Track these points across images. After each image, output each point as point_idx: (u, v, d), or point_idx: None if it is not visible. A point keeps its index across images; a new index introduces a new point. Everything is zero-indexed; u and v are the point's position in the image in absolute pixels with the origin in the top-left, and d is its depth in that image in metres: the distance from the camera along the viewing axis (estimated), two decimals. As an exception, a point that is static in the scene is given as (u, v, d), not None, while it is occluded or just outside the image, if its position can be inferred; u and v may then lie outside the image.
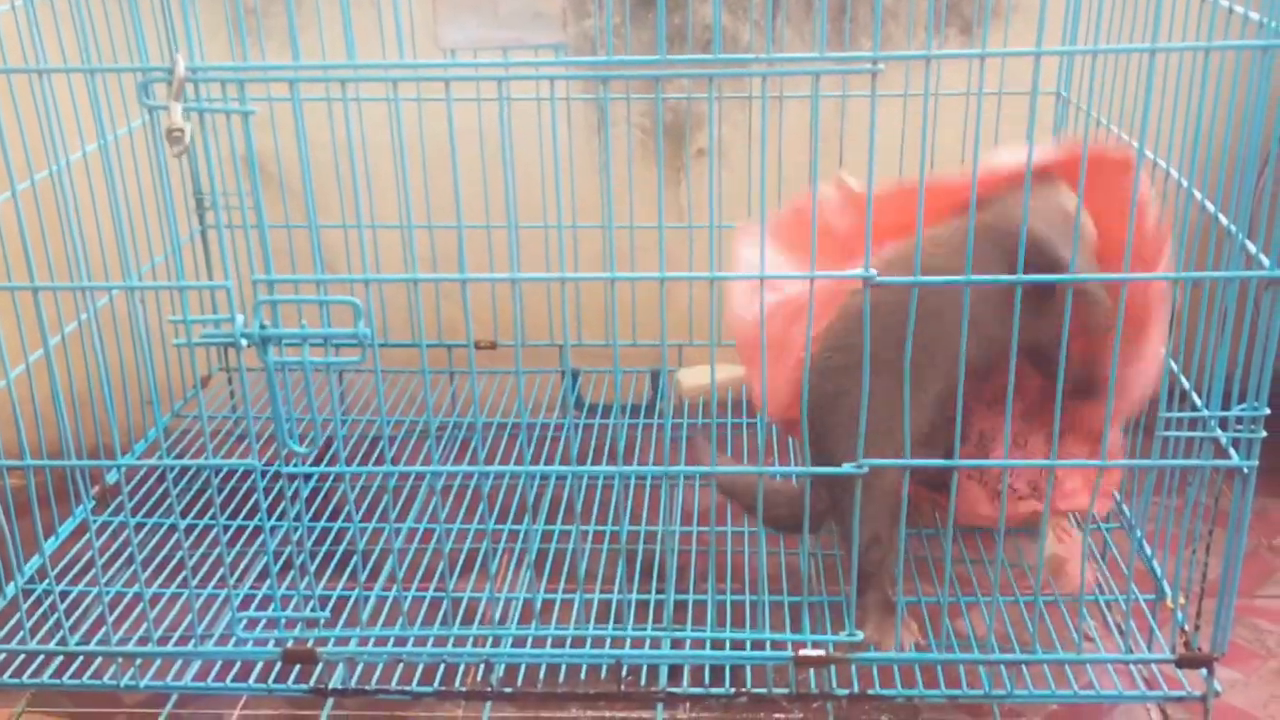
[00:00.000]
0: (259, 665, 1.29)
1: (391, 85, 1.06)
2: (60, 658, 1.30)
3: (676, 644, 1.33)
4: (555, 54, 1.06)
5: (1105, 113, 1.49)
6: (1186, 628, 1.26)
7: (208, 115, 1.08)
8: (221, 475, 1.66)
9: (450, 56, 1.04)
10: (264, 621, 1.29)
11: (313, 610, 1.24)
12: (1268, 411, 1.11)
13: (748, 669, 1.30)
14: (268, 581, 1.28)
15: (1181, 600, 1.29)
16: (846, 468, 1.16)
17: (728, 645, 1.30)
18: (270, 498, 1.45)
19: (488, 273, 1.84)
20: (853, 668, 1.26)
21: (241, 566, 1.53)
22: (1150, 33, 1.03)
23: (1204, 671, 1.22)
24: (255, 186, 1.12)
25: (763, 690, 1.27)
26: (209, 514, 1.52)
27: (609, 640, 1.29)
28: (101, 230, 1.43)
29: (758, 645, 1.29)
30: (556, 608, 1.41)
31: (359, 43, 1.32)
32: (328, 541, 1.57)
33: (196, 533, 1.55)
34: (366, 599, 1.42)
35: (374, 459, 1.76)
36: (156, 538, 1.56)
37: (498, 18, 1.00)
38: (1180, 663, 1.22)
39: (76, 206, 1.36)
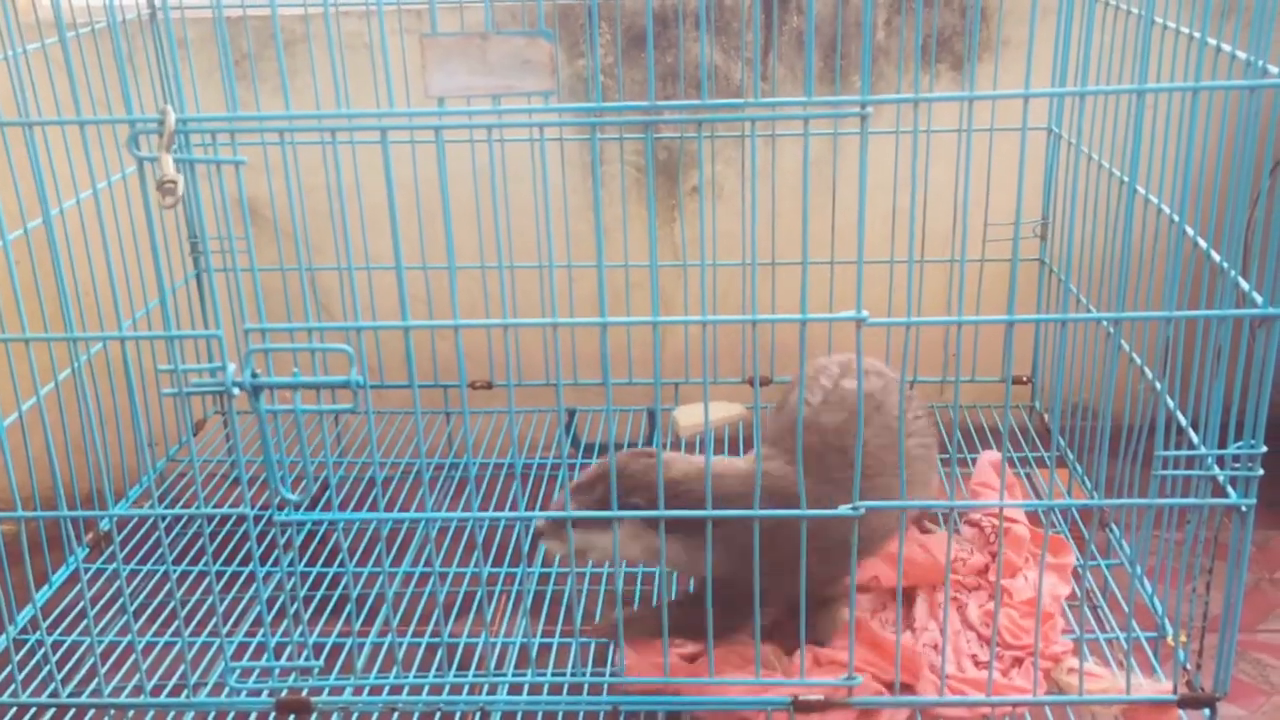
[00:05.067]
0: (253, 715, 1.28)
1: (383, 132, 1.06)
2: (52, 710, 1.29)
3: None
4: (545, 100, 1.06)
5: (1097, 148, 1.49)
6: (1188, 666, 1.25)
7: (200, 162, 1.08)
8: (215, 522, 1.66)
9: (440, 104, 1.05)
10: (257, 671, 1.28)
11: (306, 659, 1.23)
12: (1264, 449, 1.11)
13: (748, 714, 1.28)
14: (262, 630, 1.27)
15: (1183, 638, 1.28)
16: (843, 509, 1.15)
17: (726, 689, 1.29)
18: (263, 545, 1.44)
19: (482, 313, 1.85)
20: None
21: (235, 614, 1.52)
22: (1139, 71, 1.03)
23: (1206, 712, 1.21)
24: (248, 235, 1.11)
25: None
26: (202, 561, 1.51)
27: (606, 686, 1.28)
28: (95, 276, 1.43)
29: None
30: (553, 653, 1.40)
31: (350, 83, 1.32)
32: (322, 586, 1.56)
33: (190, 580, 1.54)
34: (361, 646, 1.41)
35: (369, 503, 1.75)
36: (150, 585, 1.55)
37: (486, 65, 1.00)
38: (1183, 703, 1.21)
39: (70, 255, 1.36)
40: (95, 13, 1.60)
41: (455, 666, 1.38)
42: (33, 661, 1.34)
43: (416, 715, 1.29)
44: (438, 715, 1.29)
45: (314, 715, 1.25)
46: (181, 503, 1.77)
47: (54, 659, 1.28)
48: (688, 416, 1.87)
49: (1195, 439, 1.19)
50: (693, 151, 1.87)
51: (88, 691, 1.29)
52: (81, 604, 1.40)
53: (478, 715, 1.29)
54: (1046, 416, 1.83)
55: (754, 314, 1.13)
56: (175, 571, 1.27)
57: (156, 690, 1.31)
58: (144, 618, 1.48)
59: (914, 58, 1.22)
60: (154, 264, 1.09)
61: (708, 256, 1.88)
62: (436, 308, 1.85)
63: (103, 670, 1.28)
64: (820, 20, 1.80)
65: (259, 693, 1.25)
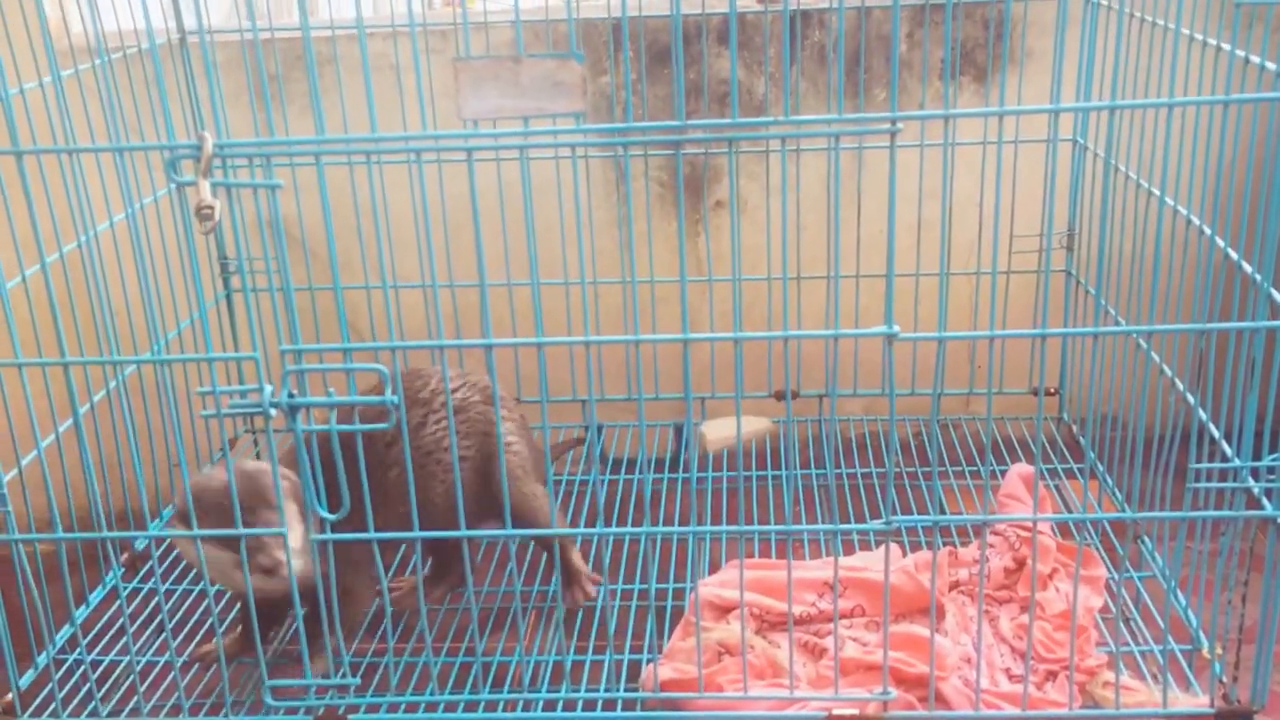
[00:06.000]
0: (290, 733, 1.29)
1: (413, 154, 1.07)
2: (92, 729, 1.30)
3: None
4: (575, 121, 1.08)
5: (1123, 159, 1.49)
6: (1225, 678, 1.24)
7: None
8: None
9: (471, 126, 1.06)
10: (295, 688, 1.29)
11: (343, 676, 1.24)
12: (1300, 461, 1.10)
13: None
14: (298, 647, 1.28)
15: (1219, 650, 1.27)
16: (875, 524, 1.16)
17: (760, 704, 1.29)
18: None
19: (510, 328, 1.86)
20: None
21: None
22: (1167, 83, 1.03)
23: (1244, 724, 1.21)
24: (283, 256, 1.13)
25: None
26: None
27: (640, 703, 1.29)
28: (128, 296, 1.44)
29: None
30: (587, 669, 1.40)
31: (379, 104, 1.34)
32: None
33: (227, 598, 1.55)
34: (397, 663, 1.42)
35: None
36: (187, 603, 1.57)
37: (518, 88, 1.01)
38: (1220, 716, 1.20)
39: (104, 277, 1.38)
40: (126, 38, 1.62)
41: (490, 683, 1.38)
42: (72, 680, 1.36)
43: (452, 732, 1.29)
44: (473, 732, 1.29)
45: (351, 732, 1.26)
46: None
47: (94, 678, 1.30)
48: (715, 431, 1.87)
49: (1229, 451, 1.19)
50: (716, 165, 1.88)
51: (127, 710, 1.30)
52: (120, 622, 1.41)
53: (513, 732, 1.30)
54: (1075, 428, 1.83)
55: (784, 328, 1.13)
56: (212, 590, 1.28)
57: (195, 708, 1.32)
58: (182, 636, 1.49)
59: (940, 71, 1.22)
60: (189, 286, 1.10)
61: (733, 271, 1.88)
62: (464, 322, 1.86)
63: (142, 689, 1.30)
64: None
65: (296, 711, 1.26)
